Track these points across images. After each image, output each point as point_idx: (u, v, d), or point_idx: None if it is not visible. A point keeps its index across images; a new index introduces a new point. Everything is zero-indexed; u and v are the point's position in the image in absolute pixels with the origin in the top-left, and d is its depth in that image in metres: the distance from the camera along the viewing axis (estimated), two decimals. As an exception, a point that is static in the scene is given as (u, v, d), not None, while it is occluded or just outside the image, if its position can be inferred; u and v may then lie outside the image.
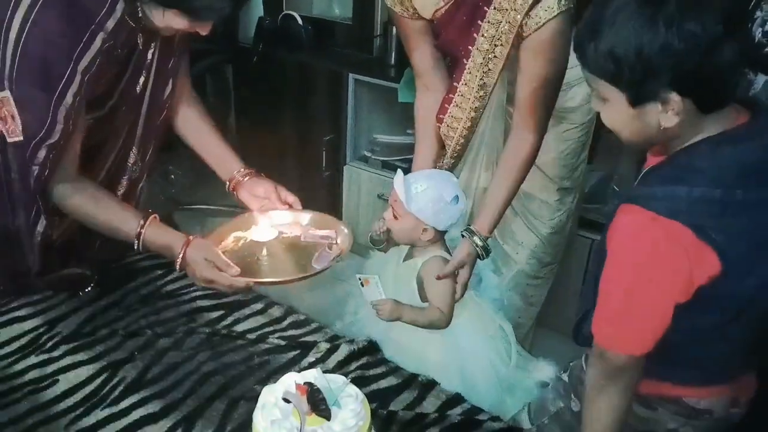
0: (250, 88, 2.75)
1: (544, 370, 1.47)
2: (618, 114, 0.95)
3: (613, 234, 0.97)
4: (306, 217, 1.52)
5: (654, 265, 0.93)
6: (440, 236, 1.46)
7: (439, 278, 1.39)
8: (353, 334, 1.40)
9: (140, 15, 1.24)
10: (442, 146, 1.68)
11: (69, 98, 1.21)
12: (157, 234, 1.32)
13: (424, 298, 1.41)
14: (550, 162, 1.65)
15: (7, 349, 1.25)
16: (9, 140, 1.22)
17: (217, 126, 1.61)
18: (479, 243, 1.45)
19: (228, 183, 1.57)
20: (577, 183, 1.76)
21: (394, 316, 1.35)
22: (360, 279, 1.39)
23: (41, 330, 1.29)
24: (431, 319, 1.38)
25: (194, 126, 1.58)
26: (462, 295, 1.44)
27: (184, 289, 1.45)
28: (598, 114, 1.63)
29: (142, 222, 1.31)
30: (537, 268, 1.85)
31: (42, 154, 1.24)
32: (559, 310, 2.06)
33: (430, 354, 1.40)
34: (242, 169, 1.56)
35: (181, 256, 1.28)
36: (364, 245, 1.65)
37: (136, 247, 1.32)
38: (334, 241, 1.42)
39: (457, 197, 1.42)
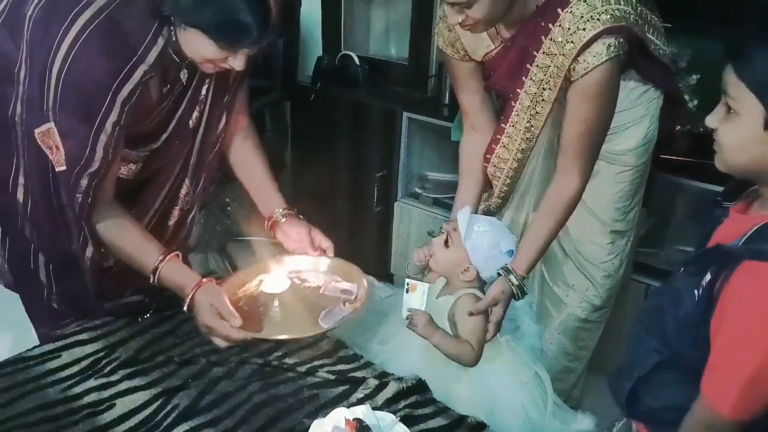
0: (306, 124, 2.83)
1: (583, 423, 1.45)
2: (743, 132, 0.91)
3: (736, 294, 0.91)
4: (326, 263, 1.49)
5: None
6: (478, 283, 1.46)
7: (471, 314, 1.38)
8: (380, 365, 1.39)
9: (176, 45, 1.26)
10: (485, 187, 1.69)
11: (108, 128, 1.25)
12: (173, 271, 1.34)
13: (455, 335, 1.40)
14: (603, 205, 1.63)
15: (69, 372, 1.29)
16: (57, 169, 1.27)
17: (268, 163, 1.62)
18: (515, 282, 1.44)
19: (267, 221, 1.58)
20: (630, 226, 1.74)
21: (426, 332, 1.36)
22: (408, 283, 1.41)
23: (101, 354, 1.33)
24: (460, 351, 1.37)
25: (245, 159, 1.60)
26: (494, 334, 1.43)
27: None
28: (653, 156, 1.64)
29: (161, 257, 1.33)
30: (588, 312, 1.82)
31: (84, 182, 1.27)
32: (611, 356, 2.01)
33: (459, 392, 1.39)
34: (282, 209, 1.57)
35: (190, 297, 1.29)
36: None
37: (151, 281, 1.34)
38: (353, 297, 1.37)
39: (512, 251, 1.43)
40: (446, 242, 1.44)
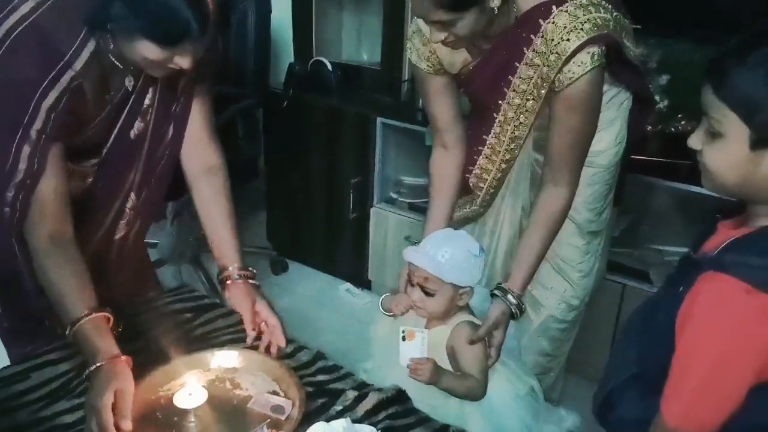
0: (279, 131, 2.80)
1: (569, 420, 1.46)
2: (728, 154, 0.89)
3: (694, 304, 0.90)
4: (268, 366, 1.28)
5: (742, 341, 0.86)
6: (468, 297, 1.42)
7: (472, 342, 1.34)
8: (372, 381, 1.35)
9: (117, 51, 1.22)
10: (455, 204, 1.68)
11: (32, 135, 1.21)
12: (92, 333, 1.18)
13: (455, 367, 1.37)
14: (577, 206, 1.64)
15: (39, 393, 1.25)
16: None
17: (233, 210, 1.50)
18: (513, 301, 1.43)
19: (219, 271, 1.47)
20: (603, 226, 1.75)
21: (433, 380, 1.29)
22: (404, 331, 1.34)
23: (71, 374, 1.29)
24: (469, 388, 1.33)
25: (207, 202, 1.48)
26: (497, 359, 1.40)
27: (213, 333, 1.45)
28: (623, 156, 1.65)
29: (86, 312, 1.19)
30: (566, 313, 1.83)
31: (10, 194, 1.23)
32: (588, 357, 2.03)
33: (451, 407, 1.36)
34: (237, 268, 1.44)
35: (94, 367, 1.14)
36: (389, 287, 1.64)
37: (65, 333, 1.20)
38: (283, 417, 1.15)
39: (479, 247, 1.39)
40: (426, 293, 1.35)
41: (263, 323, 1.38)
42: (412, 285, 1.38)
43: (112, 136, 1.36)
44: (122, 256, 1.55)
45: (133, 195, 1.47)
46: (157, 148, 1.44)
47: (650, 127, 2.05)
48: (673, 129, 2.09)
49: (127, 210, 1.48)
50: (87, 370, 1.16)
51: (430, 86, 1.59)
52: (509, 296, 1.44)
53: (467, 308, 1.42)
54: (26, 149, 1.21)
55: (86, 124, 1.30)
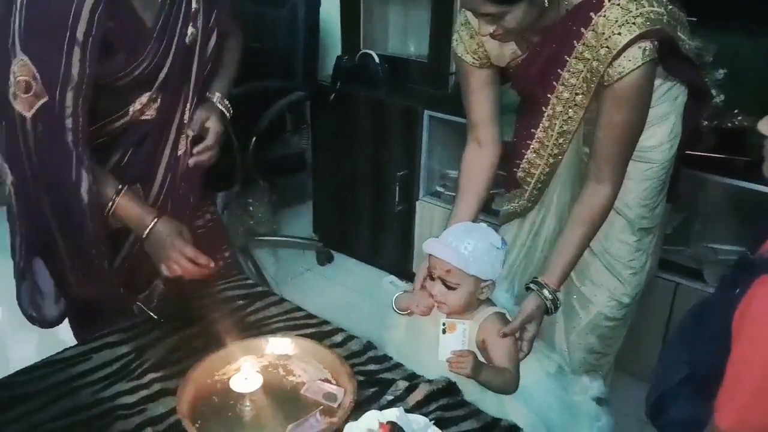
0: (327, 124, 2.82)
1: (595, 387, 1.44)
2: None
3: (751, 308, 0.88)
4: (320, 353, 1.28)
5: None
6: (490, 291, 1.41)
7: (505, 335, 1.33)
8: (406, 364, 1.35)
9: None
10: (483, 204, 1.65)
11: (80, 37, 1.25)
12: (132, 202, 1.38)
13: (487, 361, 1.36)
14: (629, 202, 1.61)
15: (99, 374, 1.29)
16: (38, 104, 1.27)
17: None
18: (549, 296, 1.42)
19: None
20: (656, 222, 1.72)
21: (474, 374, 1.28)
22: (444, 324, 1.33)
23: (131, 356, 1.34)
24: (505, 381, 1.32)
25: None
26: (528, 353, 1.39)
27: (266, 320, 1.47)
28: (677, 151, 1.62)
29: (119, 188, 1.37)
30: (616, 310, 1.80)
31: (69, 100, 1.27)
32: (639, 355, 2.00)
33: (488, 400, 1.33)
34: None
35: (152, 222, 1.34)
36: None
37: (105, 212, 1.37)
38: (335, 404, 1.16)
39: (502, 240, 1.38)
40: (447, 286, 1.35)
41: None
42: (432, 279, 1.37)
43: (173, 44, 1.40)
44: (188, 172, 1.59)
45: (188, 105, 1.52)
46: (204, 52, 1.49)
47: (706, 122, 2.00)
48: (729, 124, 2.03)
49: (185, 121, 1.53)
50: (145, 231, 1.35)
51: (472, 80, 1.58)
52: (545, 291, 1.42)
53: (489, 302, 1.41)
54: (76, 52, 1.25)
55: (139, 30, 1.35)
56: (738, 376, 0.90)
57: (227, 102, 1.59)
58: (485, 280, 1.36)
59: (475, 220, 1.61)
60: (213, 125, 1.55)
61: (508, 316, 1.39)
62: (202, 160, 1.54)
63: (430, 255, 1.38)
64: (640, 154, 1.59)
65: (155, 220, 1.36)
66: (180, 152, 1.54)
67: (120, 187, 1.37)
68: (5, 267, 1.60)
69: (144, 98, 1.44)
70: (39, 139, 1.30)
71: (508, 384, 1.33)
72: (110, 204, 1.35)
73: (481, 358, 1.35)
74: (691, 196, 2.13)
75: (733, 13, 2.01)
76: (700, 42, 2.00)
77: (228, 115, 1.60)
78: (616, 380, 2.01)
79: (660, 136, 1.59)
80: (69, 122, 1.28)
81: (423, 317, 1.42)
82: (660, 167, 1.63)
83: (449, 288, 1.34)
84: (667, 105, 1.57)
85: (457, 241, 1.34)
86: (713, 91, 2.03)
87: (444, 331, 1.32)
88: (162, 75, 1.42)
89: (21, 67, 1.25)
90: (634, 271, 1.74)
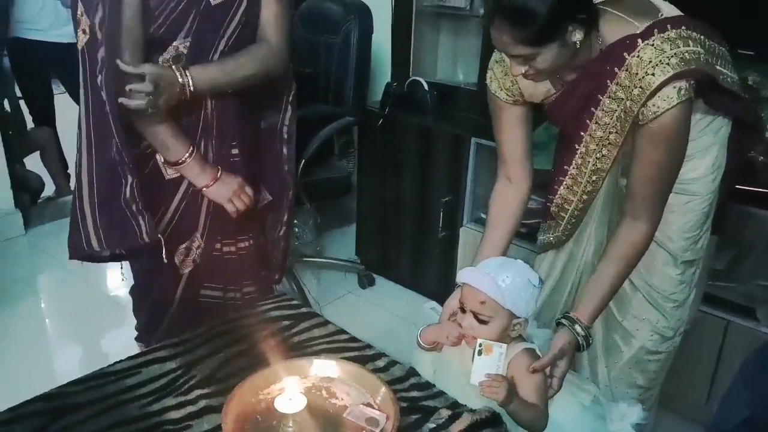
0: (374, 148, 2.85)
1: (634, 413, 1.41)
2: None
3: None
4: (365, 379, 1.27)
5: None
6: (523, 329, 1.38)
7: (534, 371, 1.31)
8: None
9: None
10: (513, 238, 1.64)
11: None
12: (198, 161, 1.59)
13: None
14: (672, 235, 1.59)
15: (148, 388, 1.32)
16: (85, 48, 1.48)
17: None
18: (581, 332, 1.40)
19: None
20: (700, 255, 1.68)
21: (507, 401, 1.25)
22: (481, 345, 1.30)
23: (179, 372, 1.37)
24: (535, 414, 1.29)
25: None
26: (558, 390, 1.36)
27: (309, 342, 1.49)
28: (721, 182, 1.59)
29: (189, 151, 1.56)
30: (659, 344, 1.76)
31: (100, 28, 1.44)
32: (686, 394, 1.94)
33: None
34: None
35: (219, 173, 1.61)
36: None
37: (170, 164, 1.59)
38: (377, 429, 1.15)
39: (539, 278, 1.36)
40: (478, 319, 1.32)
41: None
42: (464, 311, 1.35)
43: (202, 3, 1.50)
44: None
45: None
46: (234, 15, 1.56)
47: (762, 158, 1.95)
48: (787, 160, 1.99)
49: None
50: (205, 182, 1.61)
51: (505, 116, 1.58)
52: (577, 326, 1.40)
53: (520, 338, 1.38)
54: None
55: None
56: None
57: (190, 81, 1.51)
58: (518, 317, 1.34)
59: (503, 255, 1.58)
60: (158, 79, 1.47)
61: (538, 352, 1.36)
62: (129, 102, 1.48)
63: (464, 285, 1.36)
64: (682, 187, 1.57)
65: (220, 173, 1.61)
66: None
67: (192, 149, 1.57)
68: (54, 281, 1.66)
69: (167, 55, 1.53)
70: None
71: (537, 419, 1.29)
72: (182, 160, 1.57)
73: None
74: (743, 232, 2.07)
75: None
76: (756, 76, 1.97)
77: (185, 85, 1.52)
78: (662, 417, 1.96)
79: (703, 168, 1.57)
80: (101, 54, 1.46)
81: (449, 354, 1.41)
82: (702, 200, 1.60)
83: (480, 322, 1.32)
84: (710, 137, 1.55)
85: (494, 273, 1.32)
86: (768, 126, 1.99)
87: (480, 353, 1.30)
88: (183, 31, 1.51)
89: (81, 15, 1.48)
90: (677, 304, 1.71)
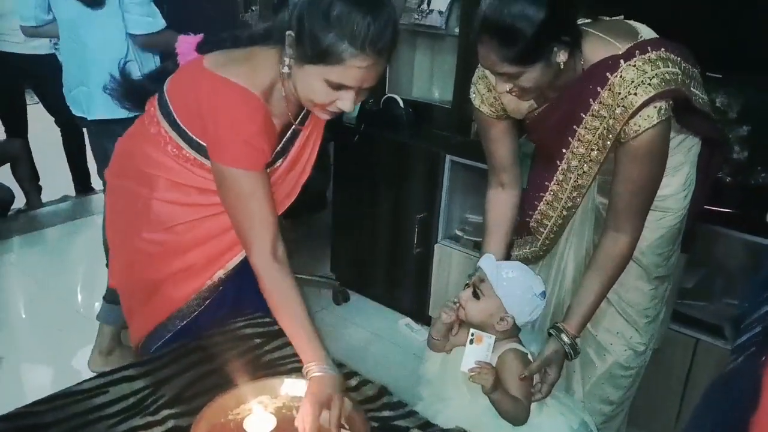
0: (349, 165, 2.86)
1: None
2: None
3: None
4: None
5: None
6: (515, 331, 1.44)
7: (524, 379, 1.37)
8: (422, 412, 1.36)
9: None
10: (511, 240, 1.70)
11: None
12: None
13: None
14: (645, 250, 1.62)
15: (115, 408, 1.29)
16: None
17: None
18: (567, 341, 1.44)
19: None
20: (671, 271, 1.72)
21: (493, 388, 1.32)
22: (473, 334, 1.38)
23: (147, 392, 1.34)
24: (516, 409, 1.35)
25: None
26: (546, 395, 1.42)
27: (281, 360, 1.47)
28: (691, 200, 1.62)
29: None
30: (632, 360, 1.79)
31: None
32: (656, 411, 1.96)
33: None
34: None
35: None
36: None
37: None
38: None
39: (544, 293, 1.42)
40: (475, 294, 1.42)
41: None
42: (470, 286, 1.44)
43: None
44: None
45: None
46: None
47: (729, 179, 1.99)
48: (752, 181, 2.03)
49: None
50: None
51: (491, 130, 1.62)
52: (563, 336, 1.45)
53: (514, 335, 1.44)
54: None
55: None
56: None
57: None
58: (507, 313, 1.39)
59: (504, 256, 1.65)
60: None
61: (530, 357, 1.42)
62: None
63: (478, 267, 1.44)
64: (655, 203, 1.60)
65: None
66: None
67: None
68: (25, 295, 1.62)
69: None
70: None
71: (518, 413, 1.35)
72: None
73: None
74: (712, 251, 2.11)
75: (761, 69, 2.02)
76: (724, 98, 2.01)
77: None
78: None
79: (675, 185, 1.61)
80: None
81: (456, 355, 1.45)
82: (675, 216, 1.64)
83: (475, 296, 1.41)
84: (681, 155, 1.58)
85: (503, 266, 1.43)
86: (737, 147, 2.04)
87: (471, 342, 1.37)
88: None
89: None
90: (649, 319, 1.74)
